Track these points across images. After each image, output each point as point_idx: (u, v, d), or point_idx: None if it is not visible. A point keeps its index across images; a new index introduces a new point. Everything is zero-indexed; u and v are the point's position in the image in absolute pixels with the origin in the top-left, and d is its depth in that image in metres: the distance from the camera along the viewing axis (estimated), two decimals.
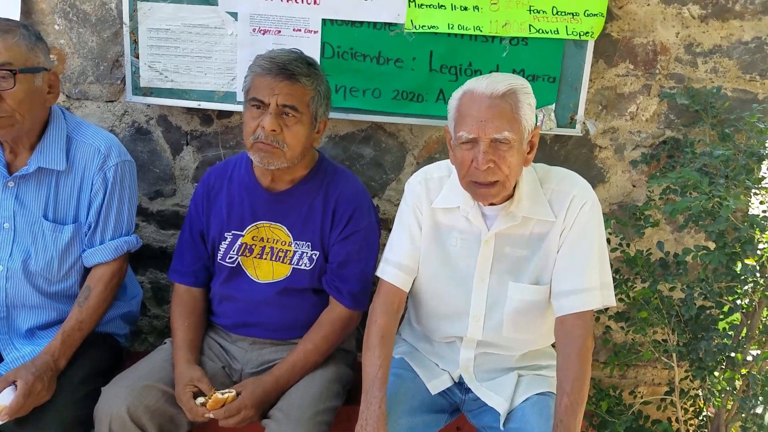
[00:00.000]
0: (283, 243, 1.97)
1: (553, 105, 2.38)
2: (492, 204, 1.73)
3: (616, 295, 2.18)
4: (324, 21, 2.32)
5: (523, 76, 2.33)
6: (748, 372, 2.09)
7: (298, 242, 1.97)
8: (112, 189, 1.95)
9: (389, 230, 1.95)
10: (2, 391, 1.72)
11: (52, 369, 1.80)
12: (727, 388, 2.18)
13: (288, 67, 1.81)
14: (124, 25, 2.34)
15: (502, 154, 1.59)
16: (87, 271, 2.01)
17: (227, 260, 2.00)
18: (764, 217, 2.04)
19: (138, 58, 2.36)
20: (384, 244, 1.94)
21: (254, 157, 1.87)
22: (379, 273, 1.87)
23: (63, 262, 1.95)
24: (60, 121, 1.92)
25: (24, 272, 1.91)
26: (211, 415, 1.77)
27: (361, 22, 2.32)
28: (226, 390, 1.79)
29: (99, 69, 2.46)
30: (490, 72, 2.29)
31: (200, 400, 1.77)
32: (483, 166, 1.58)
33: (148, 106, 2.49)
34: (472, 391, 1.86)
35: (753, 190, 2.15)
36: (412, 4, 2.29)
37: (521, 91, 1.61)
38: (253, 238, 1.98)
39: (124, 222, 2.02)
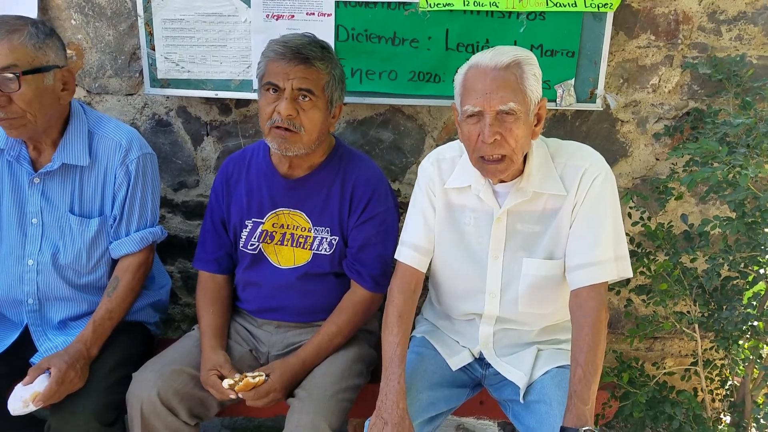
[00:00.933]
0: (303, 229, 2.00)
1: (573, 80, 2.35)
2: (502, 181, 1.73)
3: (637, 268, 2.17)
4: (337, 3, 2.32)
5: (542, 52, 2.32)
6: None
7: (317, 228, 1.99)
8: (134, 182, 2.00)
9: None
10: (36, 378, 1.78)
11: (84, 357, 1.86)
12: (751, 357, 2.16)
13: (302, 51, 1.81)
14: (138, 17, 2.37)
15: (509, 126, 1.59)
16: (115, 262, 2.07)
17: (249, 247, 2.04)
18: None
19: (154, 50, 2.40)
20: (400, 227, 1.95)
21: (272, 144, 1.89)
22: (396, 255, 1.88)
23: (91, 254, 2.01)
24: (81, 117, 1.96)
25: (54, 265, 1.97)
26: (239, 395, 1.82)
27: (375, 3, 2.31)
28: (257, 374, 1.84)
29: (117, 62, 2.50)
30: None
31: (228, 382, 1.81)
32: (489, 138, 1.58)
33: (167, 97, 2.53)
34: (492, 366, 1.88)
35: None
36: None
37: (526, 62, 1.60)
38: (273, 225, 2.01)
39: (148, 213, 2.06)
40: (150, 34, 2.38)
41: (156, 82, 2.43)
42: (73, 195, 1.97)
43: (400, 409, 1.66)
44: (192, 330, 2.10)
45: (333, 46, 2.32)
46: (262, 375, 1.84)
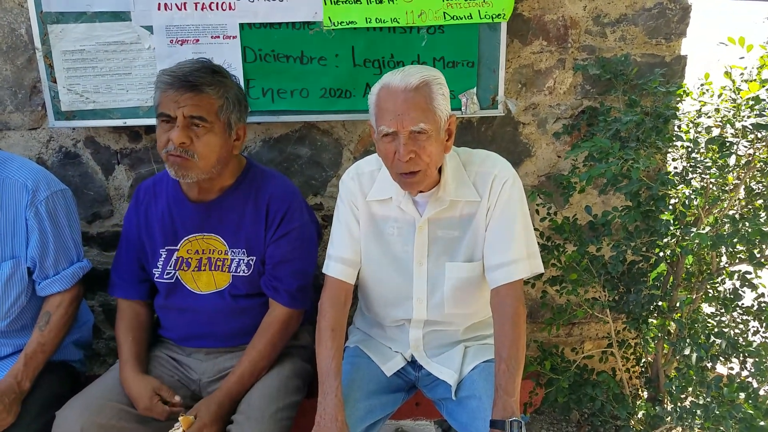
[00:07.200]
0: (220, 252, 1.98)
1: (475, 88, 2.46)
2: (421, 191, 1.80)
3: (549, 261, 2.30)
4: (242, 26, 2.33)
5: (443, 64, 2.42)
6: (678, 318, 2.23)
7: (233, 250, 1.98)
8: (47, 223, 1.93)
9: None
10: None
11: (15, 391, 1.81)
12: (659, 335, 2.32)
13: (190, 78, 1.79)
14: (36, 50, 2.31)
15: (422, 144, 1.66)
16: (31, 305, 2.00)
17: (165, 276, 2.00)
18: (676, 173, 2.17)
19: (56, 82, 2.34)
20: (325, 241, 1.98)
21: (169, 171, 1.86)
22: (323, 269, 1.91)
23: (5, 299, 1.93)
24: None
25: None
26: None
27: (279, 24, 2.35)
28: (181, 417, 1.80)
29: (17, 97, 2.42)
30: (412, 62, 2.37)
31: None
32: (405, 157, 1.65)
33: (74, 129, 2.46)
34: (424, 368, 1.94)
35: (668, 149, 2.28)
36: (328, 2, 2.32)
37: (434, 82, 1.67)
38: (188, 252, 1.99)
39: (72, 250, 2.01)
40: (50, 67, 2.32)
41: (60, 115, 2.37)
42: None
43: (339, 422, 1.68)
44: (116, 363, 2.04)
45: (241, 68, 2.34)
46: (189, 417, 1.80)
